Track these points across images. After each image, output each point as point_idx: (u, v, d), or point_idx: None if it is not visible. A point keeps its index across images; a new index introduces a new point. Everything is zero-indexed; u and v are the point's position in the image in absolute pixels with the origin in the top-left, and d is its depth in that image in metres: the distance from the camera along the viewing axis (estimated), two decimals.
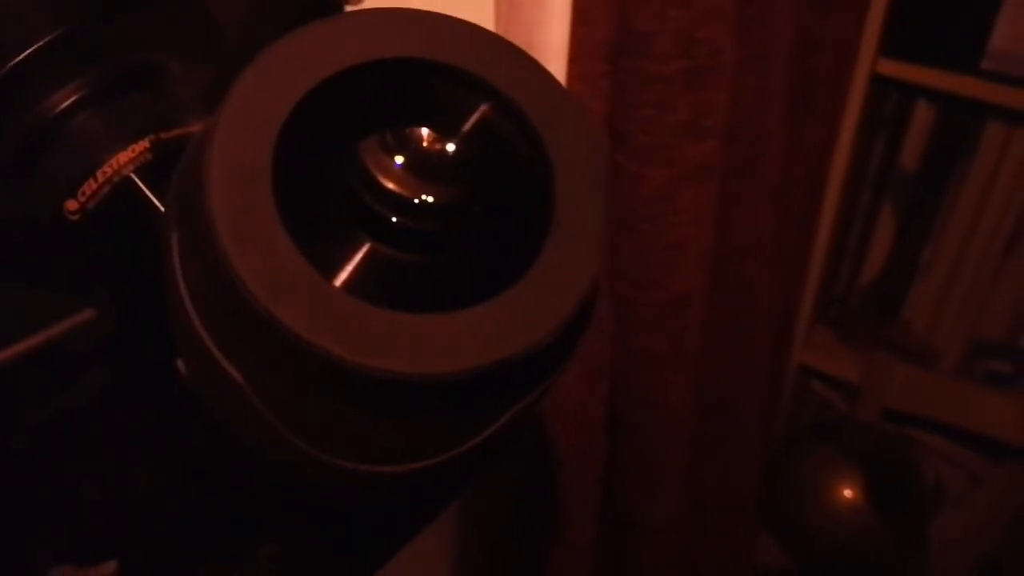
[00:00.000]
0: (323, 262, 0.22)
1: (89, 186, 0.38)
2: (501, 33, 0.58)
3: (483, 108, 0.25)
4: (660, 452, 0.72)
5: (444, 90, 0.25)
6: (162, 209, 0.38)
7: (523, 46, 0.57)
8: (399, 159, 0.23)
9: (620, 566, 0.83)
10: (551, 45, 0.56)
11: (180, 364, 0.33)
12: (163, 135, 0.39)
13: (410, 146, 0.23)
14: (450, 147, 0.24)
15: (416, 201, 0.23)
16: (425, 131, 0.24)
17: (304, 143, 0.23)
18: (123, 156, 0.38)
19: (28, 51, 0.36)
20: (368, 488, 0.26)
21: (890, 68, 1.25)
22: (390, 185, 0.23)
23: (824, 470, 1.35)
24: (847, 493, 1.33)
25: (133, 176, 0.38)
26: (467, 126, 0.24)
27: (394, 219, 0.23)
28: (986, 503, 1.41)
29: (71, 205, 0.38)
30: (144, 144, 0.38)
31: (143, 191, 0.38)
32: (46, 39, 0.36)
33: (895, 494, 1.33)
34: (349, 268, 0.23)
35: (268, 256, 0.22)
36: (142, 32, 0.41)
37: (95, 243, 0.39)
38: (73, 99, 0.38)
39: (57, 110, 0.38)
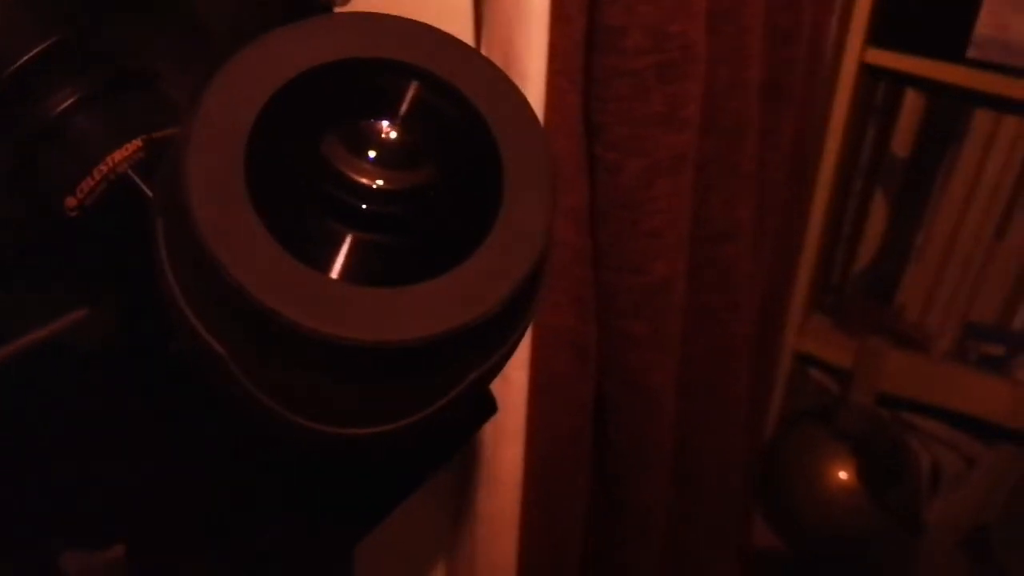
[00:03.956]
0: (304, 248, 0.25)
1: (87, 183, 0.40)
2: (482, 31, 0.60)
3: (413, 88, 0.27)
4: (646, 434, 0.75)
5: (389, 83, 0.27)
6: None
7: (503, 39, 0.59)
8: (359, 152, 0.26)
9: (609, 546, 0.85)
10: (531, 39, 0.58)
11: (173, 346, 0.35)
12: (155, 134, 0.41)
13: (366, 138, 0.26)
14: (395, 133, 0.26)
15: (375, 187, 0.25)
16: (381, 123, 0.26)
17: (273, 140, 0.26)
18: (118, 154, 0.40)
19: (25, 58, 0.38)
20: (343, 450, 0.29)
21: (878, 58, 1.27)
22: (354, 176, 0.25)
23: (818, 454, 1.37)
24: (841, 476, 1.35)
25: (129, 173, 0.40)
26: (403, 108, 0.27)
27: (362, 207, 0.25)
28: (980, 485, 1.43)
29: (70, 202, 0.41)
30: (138, 143, 0.41)
31: (139, 187, 0.40)
32: (42, 46, 0.39)
33: (889, 477, 1.36)
34: (328, 252, 0.25)
35: (242, 240, 0.24)
36: (133, 37, 0.43)
37: (93, 238, 0.42)
38: (69, 102, 0.40)
39: (54, 113, 0.40)
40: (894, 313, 1.45)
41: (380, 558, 0.76)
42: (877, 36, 1.26)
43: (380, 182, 0.26)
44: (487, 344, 0.27)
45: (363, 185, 0.25)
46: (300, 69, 0.27)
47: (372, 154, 0.26)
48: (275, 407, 0.26)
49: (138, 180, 0.41)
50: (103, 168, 0.40)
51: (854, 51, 1.25)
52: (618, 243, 0.63)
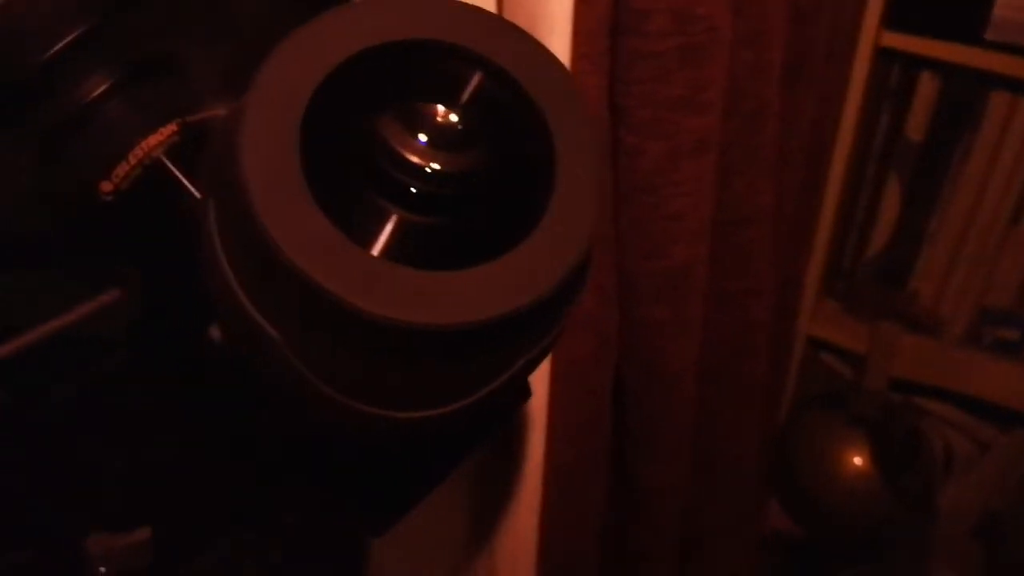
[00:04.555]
0: (354, 229, 0.25)
1: (122, 168, 0.40)
2: (505, 9, 0.60)
3: (478, 77, 0.27)
4: (664, 418, 0.75)
5: (448, 66, 0.28)
6: (190, 187, 0.41)
7: (527, 22, 0.59)
8: (414, 133, 0.26)
9: (626, 529, 0.86)
10: (554, 22, 0.58)
11: (213, 331, 0.35)
12: (188, 118, 0.41)
13: (422, 120, 0.26)
14: (454, 117, 0.26)
15: (429, 170, 0.25)
16: (437, 106, 0.27)
17: (326, 120, 0.26)
18: (152, 139, 0.40)
19: (57, 47, 0.38)
20: (389, 435, 0.29)
21: (894, 41, 1.26)
22: (409, 157, 0.25)
23: (832, 439, 1.37)
24: (855, 461, 1.35)
25: (163, 157, 0.41)
26: (465, 96, 0.27)
27: (414, 188, 0.25)
28: (994, 470, 1.43)
29: (105, 186, 0.41)
30: (171, 127, 0.41)
31: (172, 171, 0.41)
32: (73, 35, 0.39)
33: (902, 462, 1.36)
34: (378, 234, 0.25)
35: (297, 220, 0.24)
36: (162, 22, 0.43)
37: (128, 222, 0.42)
38: (101, 88, 0.40)
39: (88, 99, 0.40)
40: (908, 298, 1.45)
41: (398, 542, 0.77)
42: (893, 19, 1.26)
43: (434, 164, 0.26)
44: (537, 329, 0.27)
45: (416, 165, 0.26)
46: (357, 48, 0.27)
47: (427, 136, 0.26)
48: (327, 391, 0.26)
49: (171, 165, 0.41)
50: (138, 152, 0.40)
51: (870, 34, 1.24)
52: (639, 227, 0.63)
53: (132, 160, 0.40)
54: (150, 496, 0.59)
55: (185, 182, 0.41)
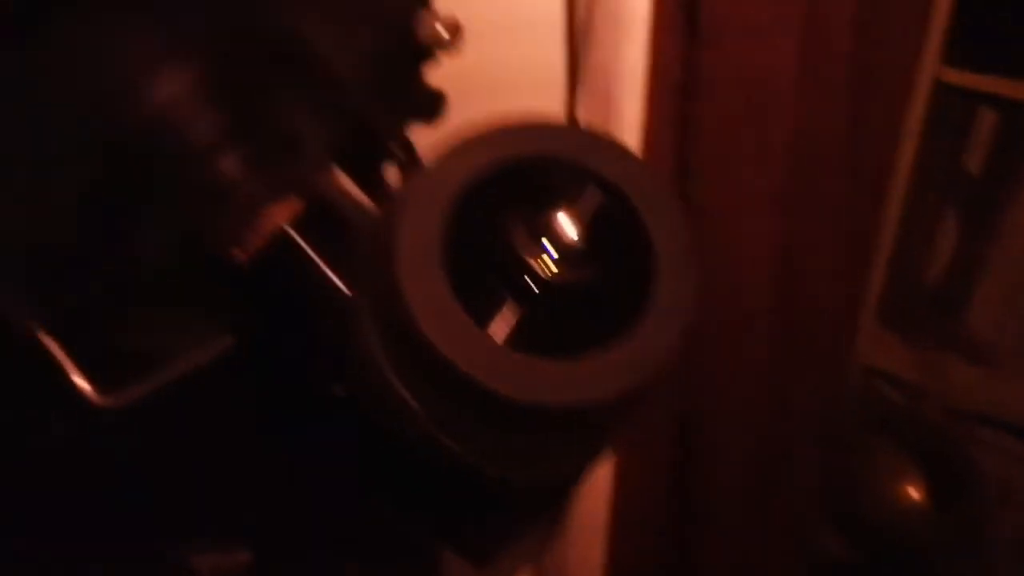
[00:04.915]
0: (483, 319, 0.30)
1: (252, 237, 0.46)
2: (583, 70, 0.65)
3: (594, 191, 0.32)
4: (723, 450, 0.78)
5: (571, 181, 0.32)
6: (312, 255, 0.46)
7: (603, 84, 0.63)
8: (539, 243, 0.31)
9: (683, 553, 0.89)
10: (627, 90, 0.62)
11: (338, 389, 0.40)
12: (310, 192, 0.47)
13: (547, 231, 0.31)
14: (576, 229, 0.31)
15: (550, 276, 0.30)
16: (558, 216, 0.31)
17: (466, 226, 0.31)
18: (280, 212, 0.46)
19: (204, 145, 0.44)
20: (503, 490, 0.33)
21: (953, 76, 1.28)
22: (533, 265, 0.30)
23: (886, 467, 1.39)
24: (909, 490, 1.37)
25: (288, 228, 0.46)
26: (584, 207, 0.31)
27: (536, 291, 0.30)
28: None
29: (237, 253, 0.46)
30: (294, 201, 0.46)
31: (296, 240, 0.46)
32: (217, 131, 0.44)
33: (957, 491, 1.37)
34: (503, 324, 0.30)
35: (441, 314, 0.29)
36: (287, 105, 0.48)
37: (255, 282, 0.47)
38: (235, 167, 0.46)
39: (222, 177, 0.45)
40: (964, 327, 1.46)
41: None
42: (952, 54, 1.28)
43: (554, 270, 0.30)
44: (638, 403, 0.31)
45: (539, 274, 0.30)
46: (493, 164, 0.31)
47: (550, 246, 0.31)
48: (459, 452, 0.31)
49: (295, 235, 0.46)
50: (266, 224, 0.46)
51: (928, 69, 1.26)
52: (707, 277, 0.67)
53: (261, 230, 0.46)
54: (255, 519, 0.64)
55: (307, 249, 0.46)
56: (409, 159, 0.77)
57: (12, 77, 0.37)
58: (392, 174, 0.78)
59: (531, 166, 0.32)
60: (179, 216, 0.46)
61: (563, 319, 0.31)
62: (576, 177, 0.32)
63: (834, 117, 0.74)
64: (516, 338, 0.30)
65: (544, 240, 0.31)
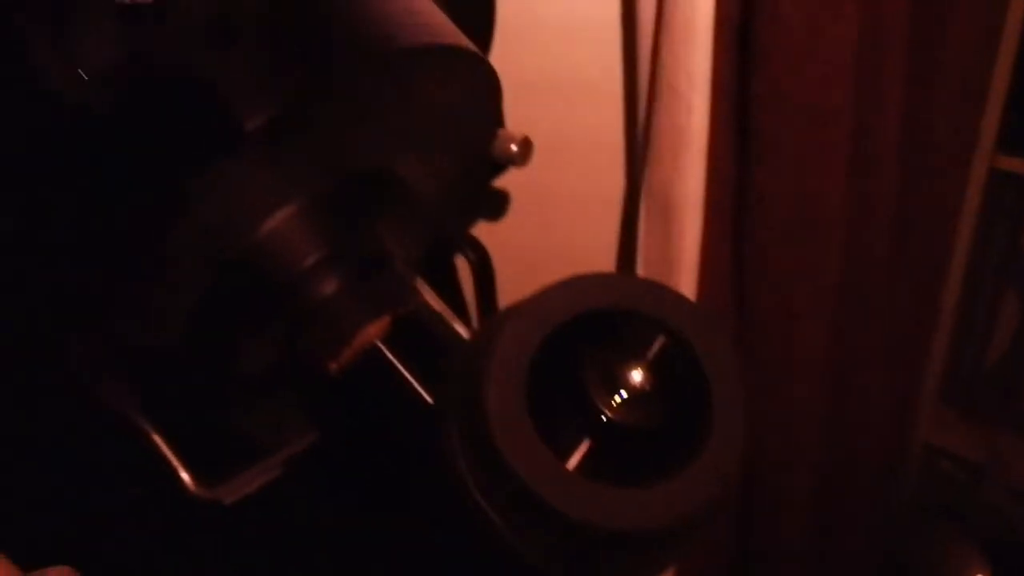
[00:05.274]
0: (559, 447, 0.34)
1: (346, 352, 0.51)
2: (645, 187, 0.69)
3: (661, 340, 0.37)
4: (783, 541, 0.81)
5: (637, 328, 0.37)
6: (399, 366, 0.51)
7: (663, 203, 0.68)
8: (609, 384, 0.35)
9: None
10: (689, 199, 0.67)
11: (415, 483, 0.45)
12: (399, 310, 0.52)
13: (617, 375, 0.35)
14: (643, 375, 0.36)
15: (618, 418, 0.35)
16: (628, 363, 0.36)
17: (546, 365, 0.36)
18: (372, 329, 0.51)
19: (308, 263, 0.49)
20: None
21: (1008, 164, 1.31)
22: (603, 406, 0.35)
23: (948, 552, 1.38)
24: (972, 573, 1.36)
25: (379, 344, 0.51)
26: (650, 354, 0.36)
27: (605, 428, 0.35)
28: None
29: (332, 366, 0.51)
30: (386, 319, 0.51)
31: (387, 355, 0.51)
32: (317, 255, 0.49)
33: (1019, 573, 1.35)
34: (574, 454, 0.35)
35: (523, 444, 0.34)
36: (378, 228, 0.54)
37: (347, 391, 0.52)
38: (332, 288, 0.51)
39: (320, 296, 0.51)
40: None
41: None
42: (1007, 142, 1.30)
43: (621, 412, 0.35)
44: (698, 528, 0.36)
45: (607, 413, 0.35)
46: (571, 314, 0.36)
47: (619, 389, 0.36)
48: (532, 559, 0.35)
49: (386, 350, 0.51)
50: (360, 340, 0.51)
51: (984, 157, 1.29)
52: (757, 370, 0.71)
53: (355, 345, 0.51)
54: None
55: (396, 363, 0.51)
56: (479, 258, 0.83)
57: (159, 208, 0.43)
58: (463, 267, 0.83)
59: (607, 314, 0.37)
60: (279, 330, 0.52)
61: (629, 450, 0.36)
62: (644, 324, 0.37)
63: (885, 211, 0.77)
64: (586, 465, 0.35)
65: (614, 383, 0.36)
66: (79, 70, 0.36)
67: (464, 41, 0.54)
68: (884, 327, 0.80)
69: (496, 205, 0.88)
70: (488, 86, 0.58)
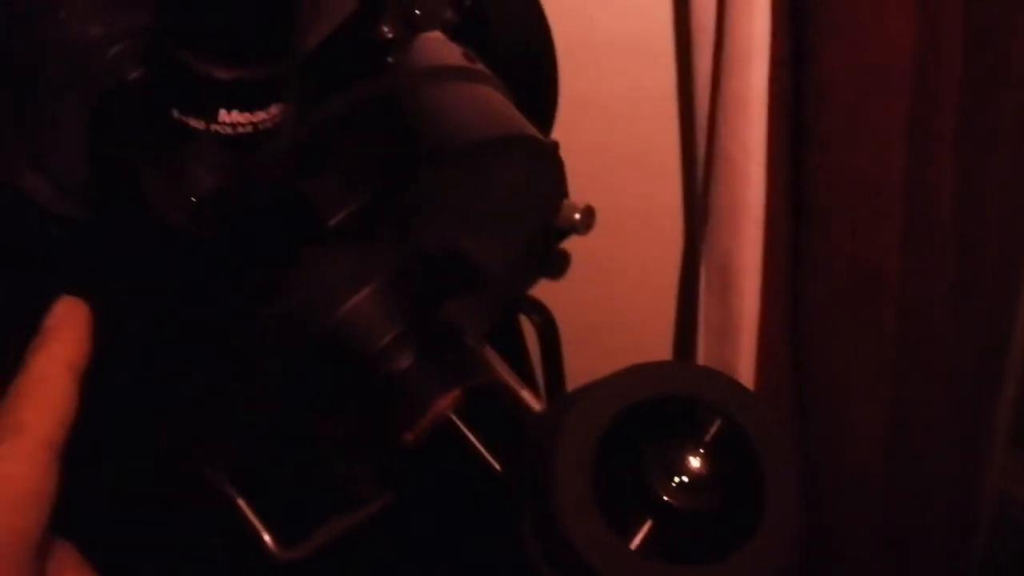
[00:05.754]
0: (620, 527, 0.37)
1: (420, 424, 0.54)
2: (704, 263, 0.72)
3: (717, 424, 0.39)
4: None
5: (695, 413, 0.40)
6: (470, 437, 0.54)
7: (721, 277, 0.70)
8: (669, 470, 0.38)
9: None
10: (746, 268, 0.69)
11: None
12: (469, 383, 0.55)
13: (676, 464, 0.38)
14: (701, 462, 0.38)
15: (677, 503, 0.37)
16: (687, 450, 0.39)
17: (609, 448, 0.38)
18: (445, 401, 0.54)
19: (385, 340, 0.53)
20: None
21: None
22: (663, 492, 0.38)
23: None
24: None
25: (452, 416, 0.54)
26: (708, 438, 0.39)
27: (662, 512, 0.37)
28: None
29: (408, 437, 0.54)
30: (458, 392, 0.54)
31: (459, 426, 0.54)
32: (395, 331, 0.53)
33: None
34: (637, 534, 0.37)
35: (589, 523, 0.37)
36: (451, 305, 0.57)
37: (420, 461, 0.55)
38: (408, 362, 0.54)
39: (397, 369, 0.54)
40: None
41: None
42: None
43: (682, 500, 0.38)
44: None
45: (667, 499, 0.38)
46: (635, 399, 0.39)
47: (679, 475, 0.38)
48: None
49: (458, 421, 0.54)
50: (434, 412, 0.54)
51: None
52: (817, 442, 0.72)
53: (429, 417, 0.54)
54: None
55: (468, 434, 0.54)
56: (544, 320, 0.86)
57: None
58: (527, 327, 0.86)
59: (667, 399, 0.40)
60: (358, 404, 0.55)
61: (688, 531, 0.38)
62: (702, 410, 0.40)
63: (944, 276, 0.78)
64: (647, 546, 0.37)
65: (673, 467, 0.38)
66: (189, 196, 0.40)
67: (530, 129, 0.57)
68: (947, 383, 0.81)
69: (559, 268, 0.91)
70: (553, 167, 0.61)
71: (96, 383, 0.45)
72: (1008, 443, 1.47)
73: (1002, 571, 1.45)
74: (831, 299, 0.67)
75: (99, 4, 0.47)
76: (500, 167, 0.55)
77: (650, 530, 0.37)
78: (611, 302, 0.89)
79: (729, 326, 0.71)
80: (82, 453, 0.42)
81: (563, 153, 0.64)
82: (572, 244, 0.74)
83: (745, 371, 0.73)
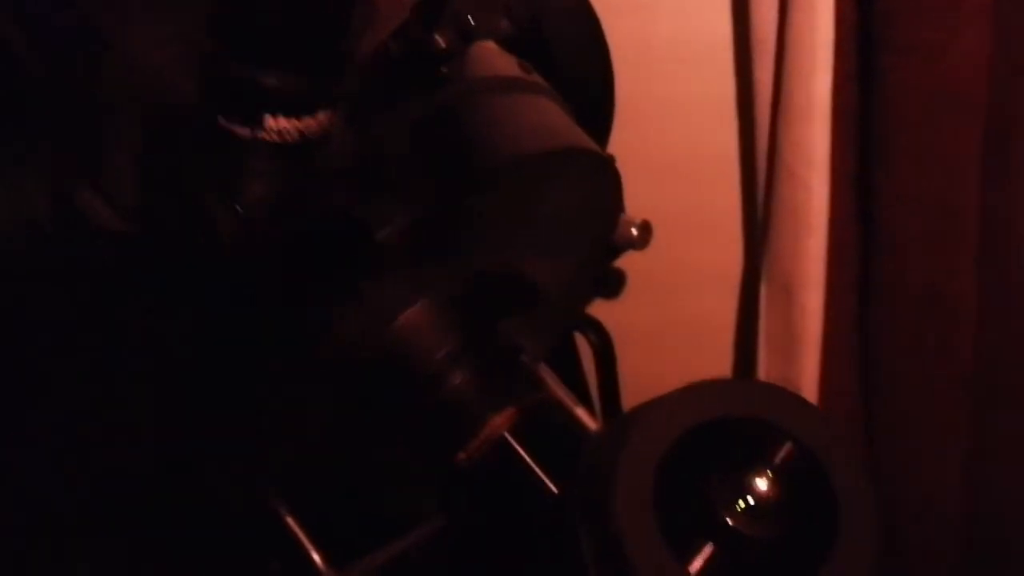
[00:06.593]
0: (681, 551, 0.35)
1: (475, 443, 0.53)
2: (764, 268, 0.70)
3: (787, 447, 0.37)
4: None
5: (763, 436, 0.37)
6: (524, 456, 0.53)
7: (783, 281, 0.67)
8: (735, 495, 0.36)
9: None
10: (809, 281, 0.67)
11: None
12: (524, 402, 0.54)
13: (743, 487, 0.36)
14: (767, 486, 0.36)
15: (743, 528, 0.35)
16: (753, 474, 0.36)
17: (672, 471, 0.37)
18: (499, 420, 0.53)
19: (439, 355, 0.52)
20: None
21: None
22: (728, 518, 0.36)
23: None
24: None
25: (506, 435, 0.52)
26: (776, 462, 0.37)
27: (726, 537, 0.35)
28: None
29: (461, 456, 0.53)
30: (512, 411, 0.53)
31: (513, 446, 0.52)
32: (448, 348, 0.52)
33: None
34: (697, 558, 0.35)
35: (648, 547, 0.35)
36: (508, 326, 0.56)
37: (475, 481, 0.54)
38: (461, 379, 0.53)
39: (451, 387, 0.53)
40: None
41: None
42: None
43: (745, 524, 0.36)
44: None
45: (731, 523, 0.36)
46: (698, 420, 0.38)
47: (744, 502, 0.36)
48: None
49: (512, 440, 0.53)
50: (488, 431, 0.53)
51: None
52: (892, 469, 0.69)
53: (483, 437, 0.53)
54: None
55: (522, 453, 0.53)
56: (600, 339, 0.84)
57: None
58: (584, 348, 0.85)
59: (733, 420, 0.38)
60: (412, 424, 0.54)
61: (755, 559, 0.36)
62: (770, 432, 0.38)
63: (1021, 302, 0.75)
64: (708, 572, 0.35)
65: (739, 490, 0.36)
66: (236, 206, 0.40)
67: (587, 142, 0.56)
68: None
69: (616, 285, 0.90)
70: (610, 181, 0.60)
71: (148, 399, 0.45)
72: None
73: None
74: (900, 323, 0.64)
75: (153, 31, 0.47)
76: (556, 181, 0.54)
77: (712, 555, 0.35)
78: (668, 316, 0.86)
79: (791, 345, 0.69)
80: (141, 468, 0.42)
81: (619, 163, 0.62)
82: (629, 256, 0.72)
83: (809, 392, 0.70)
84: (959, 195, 0.62)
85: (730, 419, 0.38)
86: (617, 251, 0.73)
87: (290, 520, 0.60)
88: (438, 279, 0.52)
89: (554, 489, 0.52)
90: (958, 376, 0.66)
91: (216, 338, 0.50)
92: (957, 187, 0.62)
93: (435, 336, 0.52)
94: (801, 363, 0.69)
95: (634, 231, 0.69)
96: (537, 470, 0.52)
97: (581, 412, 0.58)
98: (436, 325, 0.52)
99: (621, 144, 0.71)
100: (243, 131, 0.38)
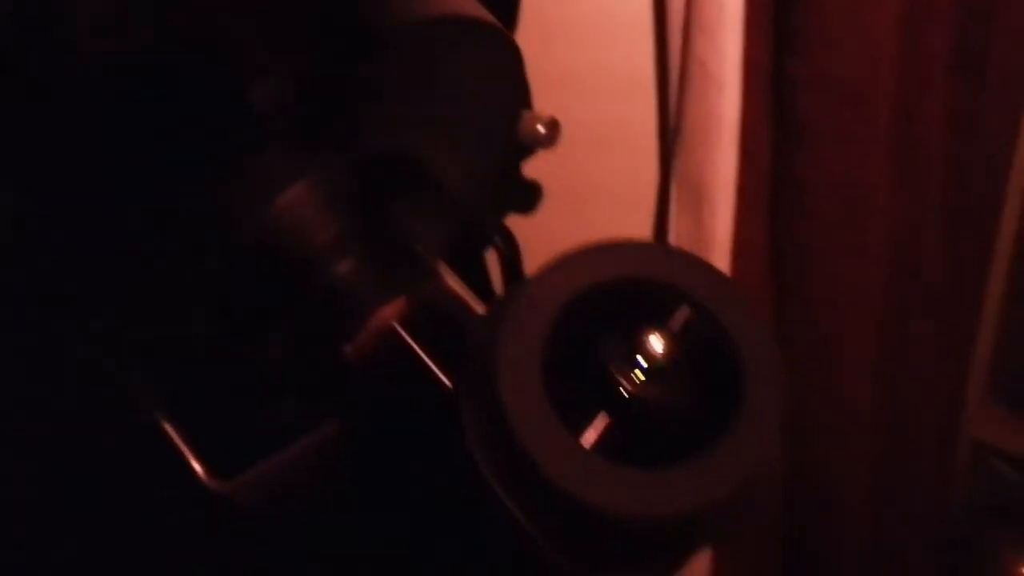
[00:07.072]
0: (574, 423, 0.32)
1: (362, 335, 0.49)
2: (675, 179, 0.67)
3: (685, 310, 0.34)
4: (832, 546, 0.78)
5: (657, 298, 0.35)
6: (416, 348, 0.49)
7: (693, 185, 0.65)
8: (630, 357, 0.33)
9: None
10: (719, 183, 0.65)
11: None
12: (417, 293, 0.50)
13: (638, 348, 0.33)
14: (665, 346, 0.33)
15: (639, 392, 0.32)
16: (649, 334, 0.34)
17: (559, 336, 0.33)
18: (388, 310, 0.49)
19: (317, 246, 0.48)
20: None
21: None
22: (623, 379, 0.33)
23: (1004, 555, 1.34)
24: None
25: (396, 325, 0.49)
26: (674, 325, 0.34)
27: (625, 404, 0.33)
28: None
29: (348, 350, 0.50)
30: (402, 301, 0.50)
31: (403, 336, 0.49)
32: (333, 233, 0.48)
33: None
34: (591, 433, 0.33)
35: (535, 420, 0.32)
36: (400, 212, 0.52)
37: (363, 374, 0.51)
38: (348, 268, 0.49)
39: (335, 274, 0.49)
40: None
41: None
42: None
43: (643, 386, 0.33)
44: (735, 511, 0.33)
45: (627, 387, 0.33)
46: (589, 283, 0.34)
47: (641, 362, 0.33)
48: (551, 552, 0.33)
49: (403, 331, 0.49)
50: (376, 322, 0.49)
51: None
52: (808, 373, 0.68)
53: (371, 328, 0.49)
54: None
55: (413, 344, 0.49)
56: (508, 248, 0.81)
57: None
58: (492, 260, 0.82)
59: (626, 285, 0.35)
60: (297, 317, 0.51)
61: (654, 430, 0.33)
62: (667, 295, 0.35)
63: (931, 198, 0.74)
64: (605, 446, 0.32)
65: (635, 356, 0.33)
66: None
67: (485, 14, 0.52)
68: (933, 318, 0.77)
69: (527, 196, 0.86)
70: (511, 61, 0.56)
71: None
72: (987, 393, 1.45)
73: (978, 521, 1.43)
74: (817, 219, 0.63)
75: None
76: (451, 54, 0.50)
77: (608, 427, 0.33)
78: (581, 228, 0.84)
79: (701, 244, 0.67)
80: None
81: (531, 74, 0.59)
82: (541, 168, 0.69)
83: None
84: (874, 79, 0.60)
85: (626, 281, 0.35)
86: (524, 150, 0.70)
87: (168, 428, 0.56)
88: (324, 158, 0.48)
89: (448, 384, 0.48)
90: (871, 273, 0.65)
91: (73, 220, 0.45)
92: (872, 71, 0.60)
93: (319, 219, 0.48)
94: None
95: (540, 128, 0.65)
96: (430, 363, 0.49)
97: (479, 307, 0.55)
98: (321, 206, 0.48)
99: (533, 57, 0.68)
100: None
